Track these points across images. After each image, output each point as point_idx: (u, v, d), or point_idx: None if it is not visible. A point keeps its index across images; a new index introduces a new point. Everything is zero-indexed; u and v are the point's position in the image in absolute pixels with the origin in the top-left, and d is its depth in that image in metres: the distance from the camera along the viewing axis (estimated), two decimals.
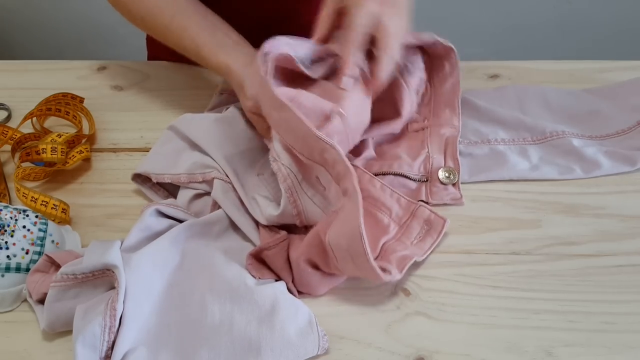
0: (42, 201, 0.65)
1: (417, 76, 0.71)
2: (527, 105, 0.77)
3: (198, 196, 0.65)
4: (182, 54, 0.73)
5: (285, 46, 0.62)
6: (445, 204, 0.67)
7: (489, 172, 0.70)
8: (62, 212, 0.65)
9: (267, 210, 0.62)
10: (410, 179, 0.68)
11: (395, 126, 0.71)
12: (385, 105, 0.70)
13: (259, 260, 0.60)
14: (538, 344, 0.56)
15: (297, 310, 0.56)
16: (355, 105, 0.62)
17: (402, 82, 0.70)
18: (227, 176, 0.64)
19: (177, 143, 0.68)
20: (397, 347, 0.56)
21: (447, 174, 0.68)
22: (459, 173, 0.69)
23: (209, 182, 0.64)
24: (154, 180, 0.66)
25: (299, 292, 0.59)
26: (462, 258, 0.63)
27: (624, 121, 0.74)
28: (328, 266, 0.58)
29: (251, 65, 0.64)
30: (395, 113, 0.71)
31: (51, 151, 0.68)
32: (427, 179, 0.69)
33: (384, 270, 0.57)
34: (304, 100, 0.60)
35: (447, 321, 0.58)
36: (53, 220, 0.64)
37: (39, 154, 0.68)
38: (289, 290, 0.59)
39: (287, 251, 0.60)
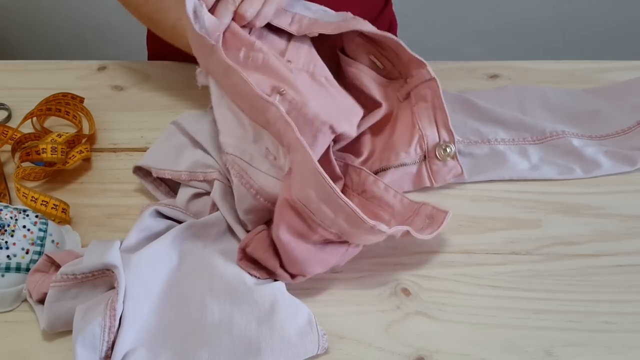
0: (42, 201, 0.65)
1: (364, 60, 0.72)
2: (527, 105, 0.77)
3: (197, 195, 0.65)
4: (188, 52, 0.73)
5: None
6: (449, 186, 0.68)
7: (489, 172, 0.70)
8: (62, 212, 0.65)
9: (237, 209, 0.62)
10: (410, 164, 0.69)
11: (383, 111, 0.71)
12: (361, 100, 0.70)
13: (249, 260, 0.60)
14: (538, 344, 0.56)
15: (296, 310, 0.56)
16: (307, 84, 0.63)
17: (354, 75, 0.71)
18: (228, 179, 0.64)
19: (180, 139, 0.68)
20: (397, 347, 0.56)
21: (444, 148, 0.68)
22: (455, 143, 0.68)
23: (210, 182, 0.64)
24: (155, 175, 0.66)
25: (292, 277, 0.58)
26: (462, 258, 0.63)
27: (624, 121, 0.74)
28: (309, 226, 0.56)
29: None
30: (373, 101, 0.71)
31: (51, 151, 0.68)
32: (425, 156, 0.69)
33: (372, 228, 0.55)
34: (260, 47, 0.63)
35: (447, 321, 0.58)
36: (53, 220, 0.64)
37: (39, 154, 0.68)
38: (281, 278, 0.58)
39: (268, 239, 0.59)
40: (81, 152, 0.71)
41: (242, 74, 0.59)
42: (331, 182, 0.53)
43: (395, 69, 0.72)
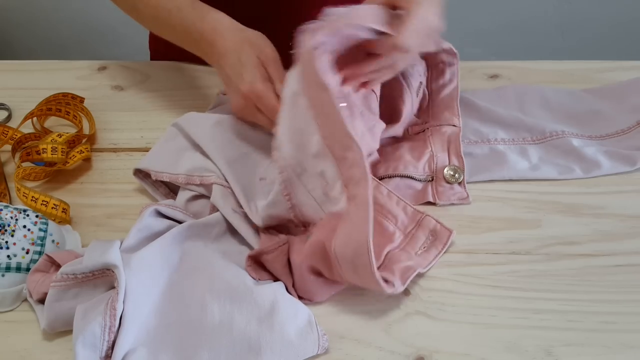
0: (43, 201, 0.65)
1: (417, 80, 0.71)
2: (526, 105, 0.77)
3: (197, 197, 0.65)
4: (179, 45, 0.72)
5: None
6: (452, 204, 0.67)
7: (488, 172, 0.70)
8: (62, 212, 0.65)
9: (259, 204, 0.61)
10: (416, 179, 0.68)
11: (396, 129, 0.71)
12: (385, 107, 0.70)
13: (258, 263, 0.60)
14: (538, 343, 0.56)
15: (296, 311, 0.56)
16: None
17: (404, 83, 0.70)
18: (227, 181, 0.64)
19: (180, 142, 0.68)
20: (397, 347, 0.56)
21: (452, 172, 0.68)
22: (464, 171, 0.68)
23: (207, 186, 0.64)
24: (153, 178, 0.66)
25: (299, 297, 0.59)
26: (462, 258, 0.63)
27: (624, 121, 0.74)
28: (331, 273, 0.58)
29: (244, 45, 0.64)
30: (396, 115, 0.70)
31: (51, 151, 0.68)
32: (433, 178, 0.69)
33: (386, 281, 0.57)
34: (355, 100, 0.61)
35: (447, 321, 0.58)
36: (53, 220, 0.64)
37: (39, 154, 0.68)
38: (289, 293, 0.59)
39: (287, 255, 0.59)
40: (81, 152, 0.71)
41: (335, 101, 0.57)
42: (374, 260, 0.54)
43: (419, 110, 0.73)
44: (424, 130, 0.72)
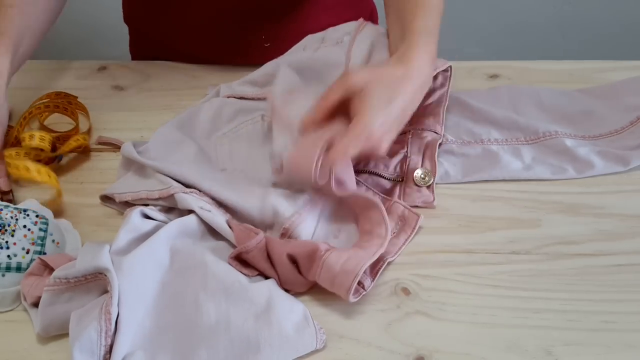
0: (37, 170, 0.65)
1: None
2: (520, 105, 0.77)
3: (169, 209, 0.65)
4: None
5: None
6: (417, 206, 0.67)
7: (482, 172, 0.70)
8: (47, 175, 0.66)
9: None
10: (385, 178, 0.68)
11: None
12: None
13: (242, 260, 0.60)
14: (538, 343, 0.56)
15: (291, 306, 0.56)
16: None
17: None
18: (186, 186, 0.64)
19: (136, 166, 0.69)
20: (397, 346, 0.56)
21: (422, 175, 0.68)
22: (434, 176, 0.68)
23: (166, 199, 0.64)
24: (117, 200, 0.66)
25: (287, 291, 0.59)
26: (462, 258, 0.63)
27: (617, 121, 0.74)
28: (308, 273, 0.58)
29: None
30: None
31: (39, 139, 0.69)
32: (402, 179, 0.69)
33: (359, 283, 0.58)
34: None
35: (447, 320, 0.58)
36: (47, 184, 0.64)
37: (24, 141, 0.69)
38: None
39: (266, 250, 0.59)
40: (77, 140, 0.71)
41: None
42: (353, 288, 0.56)
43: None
44: (404, 132, 0.71)
